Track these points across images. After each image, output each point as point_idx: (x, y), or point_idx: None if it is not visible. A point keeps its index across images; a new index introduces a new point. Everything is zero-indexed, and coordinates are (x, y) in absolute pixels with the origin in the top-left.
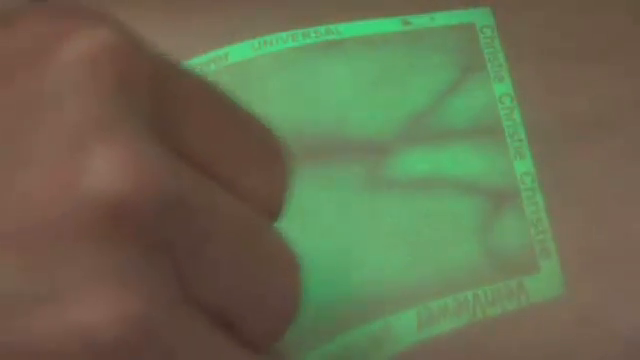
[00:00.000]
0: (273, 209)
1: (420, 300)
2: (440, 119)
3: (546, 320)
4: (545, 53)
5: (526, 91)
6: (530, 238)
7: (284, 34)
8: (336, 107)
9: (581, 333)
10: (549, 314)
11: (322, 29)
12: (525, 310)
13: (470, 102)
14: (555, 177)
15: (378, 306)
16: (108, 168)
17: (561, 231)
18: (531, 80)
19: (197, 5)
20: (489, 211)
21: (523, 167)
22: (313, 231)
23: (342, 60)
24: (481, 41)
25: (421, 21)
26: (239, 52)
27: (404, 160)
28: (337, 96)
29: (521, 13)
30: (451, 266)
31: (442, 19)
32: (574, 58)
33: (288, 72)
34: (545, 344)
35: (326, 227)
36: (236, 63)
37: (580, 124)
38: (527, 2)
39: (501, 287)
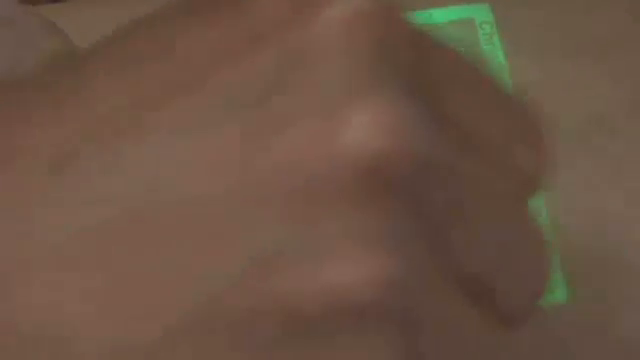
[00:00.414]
0: (533, 185)
1: None
2: None
3: (549, 326)
4: (544, 51)
5: (528, 92)
6: None
7: None
8: None
9: (583, 338)
10: (552, 320)
11: None
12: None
13: None
14: (557, 184)
15: None
16: (366, 127)
17: (564, 239)
18: (530, 79)
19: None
20: None
21: None
22: None
23: None
24: (480, 37)
25: (420, 17)
26: None
27: None
28: None
29: (520, 10)
30: None
31: (441, 15)
32: (574, 56)
33: None
34: (548, 350)
35: None
36: None
37: (581, 124)
38: (530, 0)
39: None
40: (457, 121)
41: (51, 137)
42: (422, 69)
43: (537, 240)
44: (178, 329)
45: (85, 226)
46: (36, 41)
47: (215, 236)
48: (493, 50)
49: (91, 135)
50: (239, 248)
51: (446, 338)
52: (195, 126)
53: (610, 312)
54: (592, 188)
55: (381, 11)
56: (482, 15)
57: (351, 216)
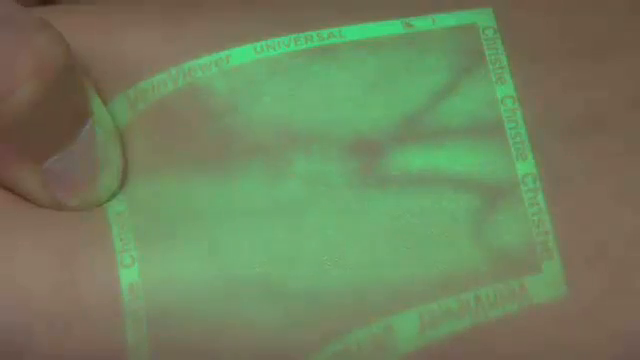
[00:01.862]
0: None
1: (421, 300)
2: (436, 118)
3: (549, 321)
4: (549, 54)
5: (529, 92)
6: (531, 239)
7: (286, 38)
8: (331, 107)
9: (584, 334)
10: (551, 315)
11: (325, 33)
12: (527, 311)
13: (469, 103)
14: (557, 178)
15: (377, 306)
16: None
17: (563, 232)
18: (534, 81)
19: (198, 10)
20: (485, 207)
21: (525, 168)
22: (300, 228)
23: (340, 64)
24: (483, 42)
25: (423, 23)
26: (241, 55)
27: (399, 158)
28: (333, 97)
29: (523, 14)
30: (450, 265)
31: (444, 21)
32: (574, 57)
33: (286, 75)
34: (548, 345)
35: (315, 224)
36: (236, 66)
37: (583, 125)
38: (530, 3)
39: (502, 287)
40: None
41: None
42: None
43: None
44: None
45: None
46: (32, 39)
47: None
48: (496, 55)
49: None
50: None
51: None
52: None
53: (611, 308)
54: (595, 187)
55: None
56: (485, 20)
57: None
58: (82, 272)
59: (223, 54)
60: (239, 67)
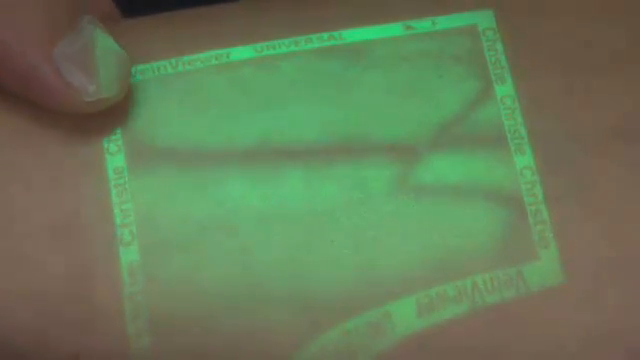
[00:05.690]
0: None
1: (419, 287)
2: (470, 127)
3: (545, 308)
4: (551, 58)
5: (531, 95)
6: (529, 227)
7: (286, 40)
8: (367, 111)
9: (581, 320)
10: (548, 302)
11: (325, 35)
12: (524, 298)
13: (498, 112)
14: (556, 174)
15: (377, 293)
16: None
17: (560, 221)
18: (536, 85)
19: (198, 14)
20: (515, 220)
21: (523, 162)
22: (332, 237)
23: (375, 70)
24: (484, 44)
25: (423, 25)
26: (241, 52)
27: (433, 166)
28: (368, 101)
29: (524, 16)
30: (448, 252)
31: (444, 22)
32: (574, 61)
33: (318, 76)
34: (545, 331)
35: (348, 232)
36: (238, 60)
37: (584, 128)
38: (530, 5)
39: (500, 274)
40: None
41: None
42: None
43: None
44: None
45: None
46: None
47: None
48: (496, 56)
49: None
50: None
51: None
52: None
53: (608, 295)
54: (595, 180)
55: None
56: (485, 22)
57: None
58: (94, 274)
59: (223, 51)
60: (242, 62)
